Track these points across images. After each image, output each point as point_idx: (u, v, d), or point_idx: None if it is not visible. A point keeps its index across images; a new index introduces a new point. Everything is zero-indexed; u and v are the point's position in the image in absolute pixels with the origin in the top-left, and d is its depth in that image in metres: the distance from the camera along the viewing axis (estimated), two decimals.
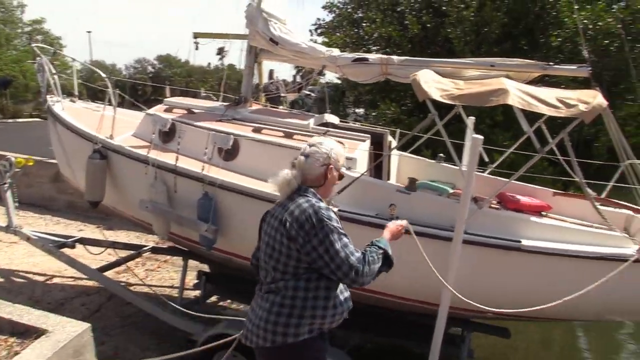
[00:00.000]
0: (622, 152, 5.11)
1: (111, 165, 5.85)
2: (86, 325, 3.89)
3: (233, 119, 6.00)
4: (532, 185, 5.90)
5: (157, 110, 6.33)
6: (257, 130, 5.70)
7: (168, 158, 5.48)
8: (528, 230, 4.69)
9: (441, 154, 6.58)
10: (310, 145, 2.91)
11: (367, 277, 2.70)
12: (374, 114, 16.23)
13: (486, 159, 6.20)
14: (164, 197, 5.45)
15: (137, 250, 7.43)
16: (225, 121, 5.93)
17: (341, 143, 5.32)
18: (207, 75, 49.63)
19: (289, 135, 5.58)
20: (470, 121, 6.23)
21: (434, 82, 4.74)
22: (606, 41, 14.59)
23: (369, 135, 5.80)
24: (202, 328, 5.55)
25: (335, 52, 6.00)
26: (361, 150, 5.44)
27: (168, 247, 7.36)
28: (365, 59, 5.81)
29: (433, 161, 6.56)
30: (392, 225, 3.26)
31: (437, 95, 4.59)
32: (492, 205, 5.19)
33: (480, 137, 4.24)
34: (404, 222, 3.35)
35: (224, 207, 5.23)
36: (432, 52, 16.33)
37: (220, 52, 9.20)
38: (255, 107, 6.58)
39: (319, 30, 19.62)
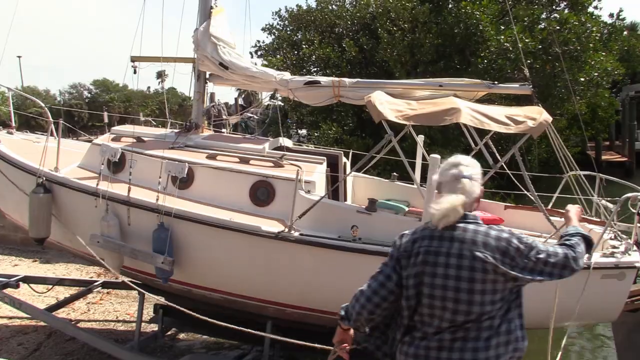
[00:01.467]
0: (566, 163, 5.40)
1: (57, 199, 5.58)
2: None
3: (185, 145, 5.89)
4: (482, 200, 6.08)
5: (104, 139, 6.12)
6: (211, 157, 5.61)
7: (119, 189, 5.29)
8: None
9: (394, 173, 6.71)
10: (461, 165, 2.56)
11: (580, 259, 2.61)
12: (316, 134, 16.36)
13: None
14: (116, 231, 5.23)
15: (87, 287, 7.09)
16: (177, 149, 5.80)
17: (298, 167, 5.38)
18: (147, 100, 48.92)
19: (244, 161, 5.54)
20: (420, 139, 6.40)
21: (388, 104, 4.85)
22: (528, 60, 15.43)
23: (325, 158, 5.84)
24: None
25: (287, 75, 6.03)
26: (319, 173, 5.46)
27: (121, 281, 7.07)
28: (317, 82, 5.87)
29: (387, 180, 6.67)
30: (574, 209, 3.10)
31: (392, 116, 4.68)
32: None
33: (438, 156, 4.35)
34: (578, 207, 3.17)
35: (181, 238, 5.09)
36: (370, 73, 16.71)
37: (160, 76, 9.06)
38: (206, 132, 6.49)
39: (259, 53, 19.66)
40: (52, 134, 6.28)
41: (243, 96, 23.95)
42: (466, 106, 4.70)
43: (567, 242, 2.66)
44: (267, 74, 6.00)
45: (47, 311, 6.31)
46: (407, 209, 5.93)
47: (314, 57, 17.25)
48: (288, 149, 6.29)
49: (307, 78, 5.96)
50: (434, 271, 2.44)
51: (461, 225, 2.46)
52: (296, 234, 4.80)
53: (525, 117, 4.61)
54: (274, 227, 4.92)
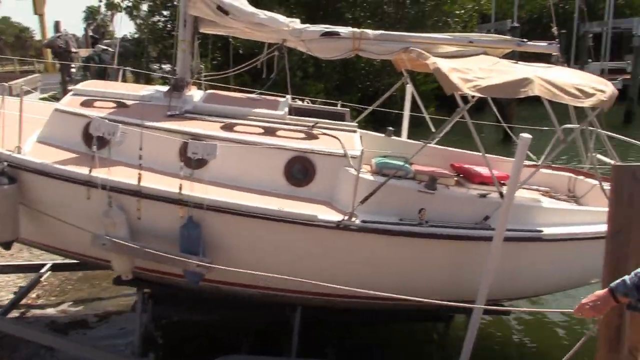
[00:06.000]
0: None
1: (26, 189, 4.29)
2: None
3: (185, 112, 4.80)
4: (470, 152, 5.85)
5: (70, 104, 4.75)
6: (228, 128, 4.66)
7: (116, 174, 4.18)
8: (540, 218, 4.76)
9: (390, 127, 6.26)
10: None
11: None
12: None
13: (433, 129, 6.09)
14: (124, 228, 4.18)
15: (37, 272, 5.79)
16: (179, 117, 4.71)
17: (336, 137, 4.72)
18: None
19: (270, 132, 4.68)
20: (409, 89, 6.17)
21: (456, 72, 4.32)
22: None
23: (357, 125, 5.19)
24: None
25: (298, 23, 5.10)
26: (358, 145, 4.84)
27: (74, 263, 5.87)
28: (336, 33, 5.04)
29: (381, 135, 6.19)
30: None
31: (465, 88, 4.22)
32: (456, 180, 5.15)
33: (529, 136, 4.06)
34: None
35: (213, 232, 4.25)
36: None
37: None
38: (194, 90, 5.37)
39: None
40: None
41: (93, 27, 21.10)
42: (537, 76, 4.37)
43: None
44: (278, 22, 4.99)
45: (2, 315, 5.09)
46: (410, 167, 5.61)
47: None
48: (297, 110, 5.44)
49: (324, 28, 5.06)
50: None
51: None
52: (357, 221, 4.28)
53: (594, 90, 4.44)
54: (327, 214, 4.32)
